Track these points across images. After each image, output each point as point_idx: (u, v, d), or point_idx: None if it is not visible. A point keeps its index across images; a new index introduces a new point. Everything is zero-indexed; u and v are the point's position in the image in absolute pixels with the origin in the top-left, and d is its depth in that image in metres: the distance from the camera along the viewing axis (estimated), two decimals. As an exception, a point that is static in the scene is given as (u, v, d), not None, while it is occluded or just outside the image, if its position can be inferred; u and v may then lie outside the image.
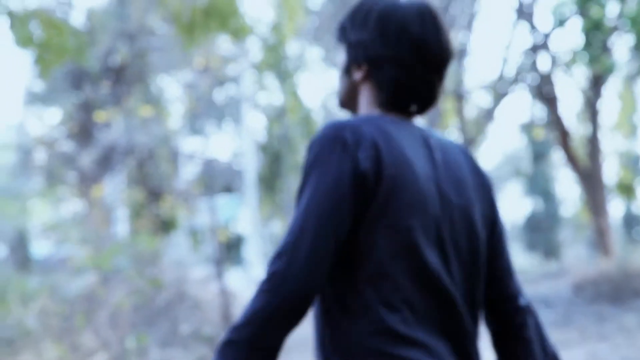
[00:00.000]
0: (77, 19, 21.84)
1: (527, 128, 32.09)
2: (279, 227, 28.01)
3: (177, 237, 23.67)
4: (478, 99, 28.37)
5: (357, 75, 2.36)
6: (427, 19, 2.35)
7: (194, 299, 12.86)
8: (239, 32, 11.73)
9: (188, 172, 25.67)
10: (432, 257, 2.17)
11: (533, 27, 22.63)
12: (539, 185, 36.49)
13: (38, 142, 25.19)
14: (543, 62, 22.76)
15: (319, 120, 29.91)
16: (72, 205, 25.66)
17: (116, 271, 11.52)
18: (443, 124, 27.79)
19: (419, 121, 2.43)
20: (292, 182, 26.79)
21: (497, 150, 59.37)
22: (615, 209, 34.07)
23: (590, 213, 22.17)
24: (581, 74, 22.35)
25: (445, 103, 26.90)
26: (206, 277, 16.48)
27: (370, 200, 2.11)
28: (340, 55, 2.42)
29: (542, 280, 18.76)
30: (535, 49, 22.66)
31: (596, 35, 16.58)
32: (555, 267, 21.59)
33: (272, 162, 26.85)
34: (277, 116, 27.86)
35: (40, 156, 25.26)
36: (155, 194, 23.23)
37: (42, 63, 10.27)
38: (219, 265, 16.94)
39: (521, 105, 62.66)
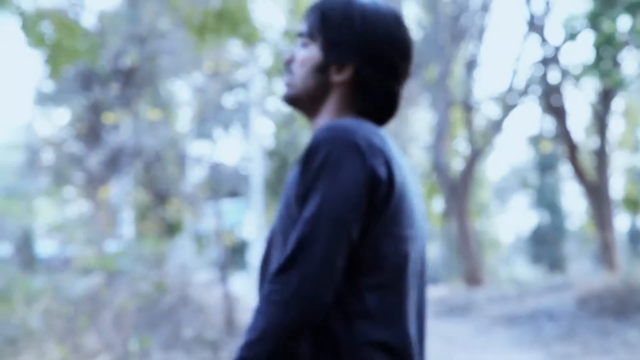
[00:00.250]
0: (89, 20, 21.89)
1: (535, 140, 32.07)
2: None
3: (182, 241, 23.68)
4: (487, 110, 28.36)
5: (338, 76, 2.27)
6: (405, 27, 2.33)
7: (198, 303, 12.86)
8: (250, 37, 11.74)
9: (195, 176, 25.67)
10: (415, 269, 2.18)
11: (544, 39, 22.62)
12: (545, 197, 36.45)
13: (46, 142, 25.23)
14: (553, 75, 22.75)
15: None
16: (78, 206, 25.68)
17: (121, 273, 11.53)
18: (451, 134, 27.78)
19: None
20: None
21: (504, 162, 59.32)
22: (621, 223, 34.04)
23: (596, 227, 22.14)
24: (591, 87, 22.34)
25: (454, 113, 26.88)
26: (210, 281, 16.48)
27: (382, 208, 2.07)
28: (309, 50, 2.30)
29: (546, 293, 18.71)
30: (545, 61, 22.65)
31: (607, 49, 16.57)
32: (560, 280, 21.53)
33: (279, 168, 26.88)
34: (285, 122, 27.89)
35: (47, 156, 25.30)
36: (161, 197, 23.26)
37: (53, 63, 10.29)
38: (224, 270, 16.93)
39: (530, 118, 62.61)
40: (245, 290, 20.59)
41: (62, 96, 24.77)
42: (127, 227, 23.16)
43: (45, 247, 22.77)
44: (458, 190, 25.31)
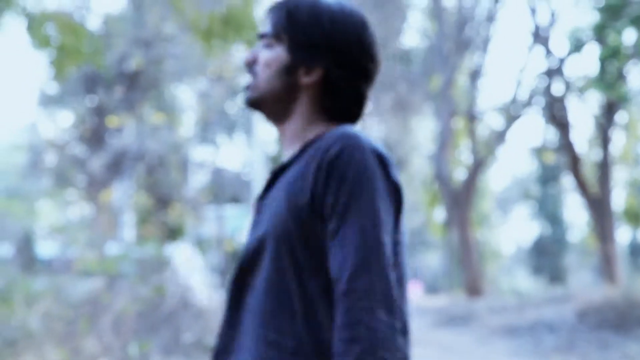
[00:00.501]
0: (94, 23, 21.91)
1: (538, 152, 32.07)
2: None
3: (183, 245, 23.67)
4: (490, 121, 28.36)
5: (307, 78, 2.20)
6: (371, 29, 2.28)
7: (198, 308, 12.84)
8: (255, 42, 11.73)
9: (197, 181, 25.68)
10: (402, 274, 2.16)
11: (548, 51, 22.64)
12: (546, 209, 36.43)
13: (49, 144, 25.25)
14: (557, 87, 22.75)
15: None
16: (80, 209, 25.69)
17: (121, 277, 11.52)
18: (454, 144, 27.78)
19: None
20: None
21: (507, 173, 59.31)
22: (623, 236, 34.01)
23: (598, 239, 22.13)
24: (595, 100, 22.34)
25: (457, 123, 26.89)
26: (211, 286, 16.47)
27: (398, 216, 2.08)
28: (274, 51, 2.22)
29: (546, 305, 18.69)
30: (549, 73, 22.66)
31: (612, 62, 16.57)
32: (560, 292, 21.50)
33: (281, 175, 26.84)
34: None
35: (50, 158, 25.32)
36: (163, 201, 23.26)
37: (58, 65, 10.30)
38: (224, 275, 16.94)
39: (533, 129, 62.62)
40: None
41: (66, 98, 24.79)
42: (129, 230, 23.15)
43: (46, 249, 22.76)
44: (460, 200, 25.30)
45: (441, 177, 25.80)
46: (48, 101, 26.63)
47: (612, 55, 16.11)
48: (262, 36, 2.25)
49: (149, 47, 21.60)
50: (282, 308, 2.07)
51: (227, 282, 2.23)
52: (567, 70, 22.72)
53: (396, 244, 2.08)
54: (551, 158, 30.54)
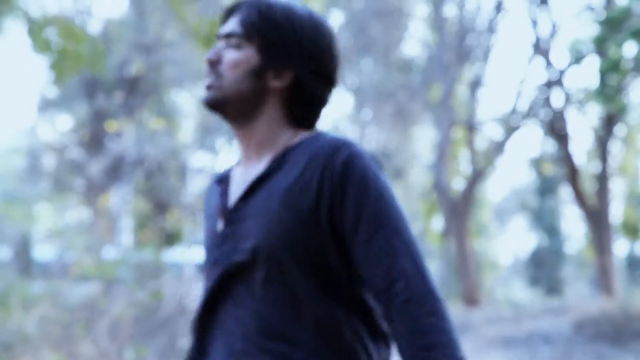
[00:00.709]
0: (95, 27, 21.93)
1: (536, 163, 32.10)
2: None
3: (181, 250, 23.66)
4: (489, 131, 28.38)
5: (276, 82, 2.16)
6: (335, 35, 2.24)
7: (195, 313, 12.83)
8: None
9: (195, 187, 25.67)
10: None
11: (549, 62, 22.66)
12: (544, 220, 36.42)
13: (48, 148, 25.24)
14: (557, 98, 22.78)
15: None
16: (78, 213, 25.67)
17: (118, 281, 11.52)
18: (453, 154, 27.79)
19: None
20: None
21: (505, 184, 59.31)
22: (620, 249, 34.00)
23: (595, 251, 22.13)
24: (594, 112, 22.36)
25: (456, 133, 26.90)
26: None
27: None
28: (243, 52, 2.16)
29: (543, 316, 18.69)
30: (549, 84, 22.68)
31: (612, 75, 16.60)
32: (557, 303, 21.50)
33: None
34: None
35: (49, 162, 25.31)
36: (161, 206, 23.26)
37: (58, 70, 10.30)
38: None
39: (532, 140, 62.63)
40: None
41: (65, 102, 24.79)
42: (126, 235, 23.15)
43: (43, 253, 22.75)
44: (458, 210, 25.29)
45: (440, 186, 25.79)
46: (48, 105, 26.63)
47: (612, 68, 16.14)
48: (228, 35, 2.17)
49: (149, 52, 21.62)
50: (290, 319, 2.03)
51: (204, 290, 2.16)
52: (567, 82, 22.75)
53: None
54: (550, 169, 30.56)
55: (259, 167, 2.14)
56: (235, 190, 2.17)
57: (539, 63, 24.14)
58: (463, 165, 29.76)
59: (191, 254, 19.94)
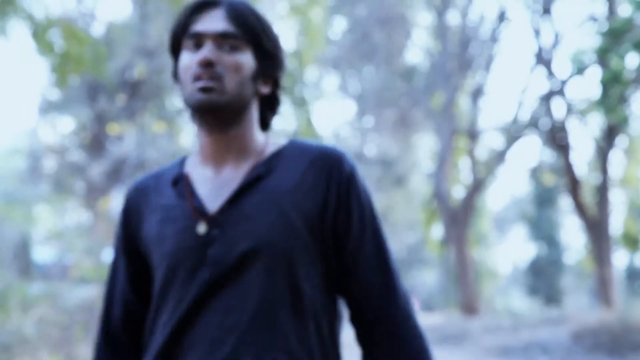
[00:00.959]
0: (98, 30, 21.94)
1: (536, 172, 32.09)
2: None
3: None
4: (490, 140, 28.38)
5: (264, 88, 2.17)
6: None
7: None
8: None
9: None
10: None
11: (551, 72, 22.67)
12: (543, 230, 36.41)
13: (49, 150, 25.23)
14: (558, 109, 22.78)
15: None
16: (78, 215, 25.66)
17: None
18: (454, 163, 27.80)
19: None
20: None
21: (505, 193, 59.29)
22: (620, 260, 33.96)
23: (595, 262, 22.11)
24: (596, 123, 22.36)
25: (457, 142, 26.91)
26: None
27: None
28: (244, 56, 2.11)
29: (541, 326, 18.67)
30: (551, 94, 22.69)
31: (614, 86, 16.59)
32: (555, 313, 21.48)
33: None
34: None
35: (50, 164, 25.30)
36: (161, 210, 23.22)
37: (61, 72, 10.31)
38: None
39: (533, 150, 62.67)
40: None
41: (67, 105, 24.79)
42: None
43: (43, 254, 22.75)
44: (458, 218, 25.30)
45: (440, 195, 25.80)
46: (49, 107, 26.63)
47: (614, 79, 16.13)
48: (224, 35, 2.09)
49: (152, 56, 21.63)
50: (296, 324, 2.05)
51: (179, 296, 2.07)
52: (568, 92, 22.77)
53: None
54: (551, 179, 30.55)
55: (238, 171, 2.11)
56: (210, 193, 2.10)
57: (541, 73, 24.16)
58: (463, 173, 29.76)
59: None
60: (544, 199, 36.28)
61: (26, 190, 25.52)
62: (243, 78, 2.09)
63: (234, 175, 2.11)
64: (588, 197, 23.64)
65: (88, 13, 22.49)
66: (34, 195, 24.42)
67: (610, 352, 14.54)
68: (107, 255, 16.00)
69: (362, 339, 2.15)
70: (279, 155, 2.13)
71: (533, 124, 24.11)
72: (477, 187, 25.97)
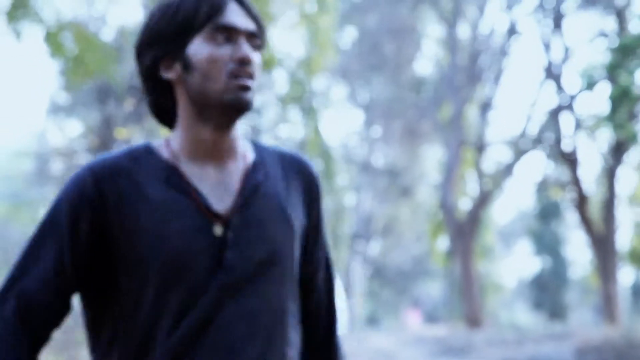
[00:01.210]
0: (108, 34, 21.98)
1: (543, 187, 32.06)
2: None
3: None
4: (498, 153, 28.37)
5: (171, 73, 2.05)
6: None
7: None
8: (268, 63, 11.78)
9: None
10: None
11: (560, 87, 22.66)
12: (548, 244, 36.37)
13: (57, 153, 25.28)
14: (566, 124, 22.77)
15: (338, 158, 29.91)
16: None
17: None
18: (461, 175, 27.78)
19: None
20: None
21: (512, 206, 59.19)
22: (626, 277, 33.91)
23: (600, 278, 22.07)
24: (604, 139, 22.34)
25: (465, 154, 26.90)
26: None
27: None
28: (260, 56, 2.09)
29: (545, 341, 18.62)
30: (560, 109, 22.67)
31: (623, 102, 16.58)
32: (559, 328, 21.44)
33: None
34: (296, 150, 27.91)
35: (57, 166, 25.35)
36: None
37: (71, 75, 10.33)
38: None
39: (540, 164, 62.60)
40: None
41: (76, 108, 24.85)
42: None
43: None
44: (464, 230, 25.27)
45: (446, 206, 25.78)
46: (58, 110, 26.69)
47: (623, 95, 16.13)
48: (252, 35, 2.05)
49: (162, 61, 21.66)
50: (293, 325, 2.08)
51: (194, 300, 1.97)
52: (577, 107, 22.75)
53: None
54: (558, 194, 30.51)
55: (233, 171, 2.06)
56: (210, 192, 2.02)
57: (550, 87, 24.13)
58: (470, 186, 29.74)
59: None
60: (549, 213, 36.26)
61: (33, 193, 25.56)
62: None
63: (231, 176, 2.05)
64: (595, 212, 23.61)
65: (99, 17, 22.54)
66: (41, 197, 24.48)
67: (614, 369, 14.50)
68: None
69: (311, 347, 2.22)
70: (262, 158, 2.12)
71: (541, 138, 24.09)
72: (483, 199, 25.95)
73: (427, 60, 31.41)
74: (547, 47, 23.38)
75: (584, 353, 15.64)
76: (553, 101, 23.63)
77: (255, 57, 2.02)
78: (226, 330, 1.96)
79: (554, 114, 23.14)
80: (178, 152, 2.03)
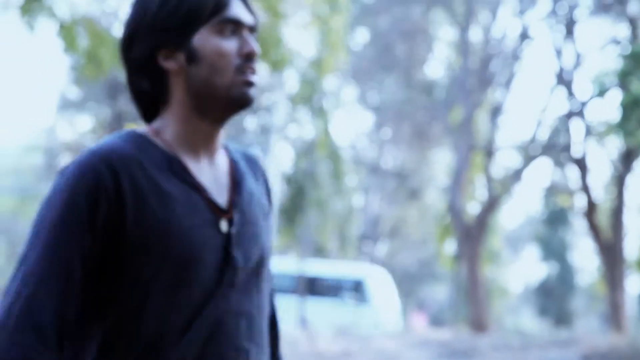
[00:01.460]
0: (120, 30, 22.04)
1: (551, 193, 32.02)
2: (293, 260, 27.97)
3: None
4: (507, 158, 28.34)
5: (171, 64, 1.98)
6: None
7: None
8: (279, 63, 11.79)
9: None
10: None
11: (571, 93, 22.62)
12: (555, 251, 36.31)
13: (66, 147, 25.34)
14: (577, 130, 22.73)
15: (347, 159, 29.92)
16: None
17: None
18: (470, 179, 27.75)
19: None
20: (312, 217, 26.78)
21: (520, 212, 59.17)
22: (633, 285, 33.82)
23: (607, 286, 22.02)
24: (614, 146, 22.30)
25: (474, 158, 26.88)
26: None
27: None
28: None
29: (550, 347, 18.58)
30: (570, 115, 22.64)
31: (634, 110, 16.54)
32: (565, 335, 21.39)
33: (295, 195, 26.87)
34: (305, 150, 27.92)
35: (66, 161, 25.39)
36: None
37: (84, 70, 10.34)
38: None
39: (549, 170, 62.54)
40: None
41: (86, 103, 24.90)
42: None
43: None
44: (472, 234, 25.24)
45: (454, 210, 25.75)
46: (68, 105, 26.76)
47: (634, 103, 16.09)
48: (253, 29, 2.01)
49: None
50: (266, 330, 2.06)
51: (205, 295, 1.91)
52: (588, 114, 22.70)
53: None
54: (566, 200, 30.47)
55: (219, 165, 2.02)
56: (210, 185, 1.97)
57: (561, 93, 24.11)
58: (479, 190, 29.71)
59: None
60: (556, 220, 36.22)
61: (42, 187, 25.61)
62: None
63: (220, 170, 2.01)
64: (603, 220, 23.57)
65: (111, 13, 22.57)
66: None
67: (619, 377, 14.47)
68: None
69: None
70: (232, 154, 2.08)
71: (551, 144, 24.06)
72: (492, 204, 25.91)
73: (438, 63, 31.39)
74: (559, 52, 23.35)
75: (590, 360, 15.61)
76: (564, 107, 23.61)
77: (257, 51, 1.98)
78: (234, 330, 1.93)
79: (565, 120, 23.10)
80: (172, 143, 1.95)
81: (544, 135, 24.43)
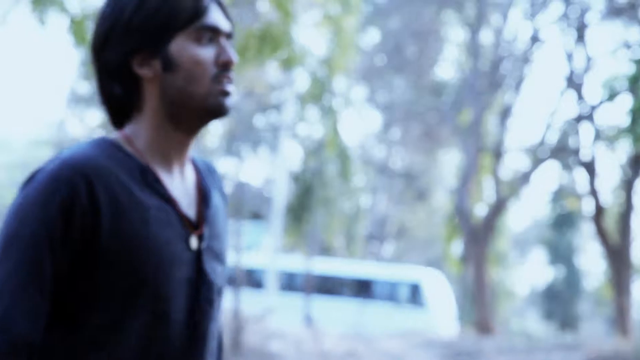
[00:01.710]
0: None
1: (559, 196, 31.98)
2: (300, 259, 27.97)
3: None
4: (516, 161, 28.31)
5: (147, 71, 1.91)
6: None
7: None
8: (289, 62, 11.79)
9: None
10: None
11: (581, 97, 22.59)
12: (562, 254, 36.26)
13: (75, 142, 25.36)
14: (586, 134, 22.70)
15: (355, 159, 29.91)
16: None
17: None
18: (478, 181, 27.73)
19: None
20: (320, 216, 26.77)
21: (527, 214, 59.07)
22: (639, 289, 33.75)
23: (613, 290, 21.99)
24: (623, 150, 22.27)
25: (482, 160, 26.87)
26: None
27: None
28: None
29: (556, 350, 18.57)
30: (580, 119, 22.61)
31: (643, 114, 16.54)
32: (570, 339, 21.37)
33: (303, 194, 26.86)
34: (314, 149, 27.92)
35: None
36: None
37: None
38: (236, 287, 16.92)
39: (557, 173, 62.40)
40: (256, 312, 20.54)
41: (96, 98, 24.91)
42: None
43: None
44: (479, 236, 25.22)
45: (462, 212, 25.73)
46: (78, 100, 26.81)
47: (644, 108, 16.07)
48: (230, 36, 1.96)
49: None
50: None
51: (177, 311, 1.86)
52: (597, 118, 22.66)
53: None
54: (575, 204, 30.44)
55: (189, 177, 1.97)
56: (180, 198, 1.92)
57: (570, 97, 24.08)
58: (487, 192, 29.68)
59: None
60: (563, 223, 36.16)
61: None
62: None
63: (188, 182, 1.96)
64: (610, 224, 23.53)
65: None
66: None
67: (624, 382, 14.46)
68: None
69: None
70: (196, 164, 2.03)
71: (560, 147, 24.03)
72: (499, 206, 25.89)
73: (448, 65, 31.37)
74: (569, 56, 23.32)
75: (594, 364, 15.60)
76: (573, 111, 23.58)
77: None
78: (197, 352, 1.89)
79: (574, 124, 23.07)
80: (144, 152, 1.89)
81: (553, 139, 24.40)
